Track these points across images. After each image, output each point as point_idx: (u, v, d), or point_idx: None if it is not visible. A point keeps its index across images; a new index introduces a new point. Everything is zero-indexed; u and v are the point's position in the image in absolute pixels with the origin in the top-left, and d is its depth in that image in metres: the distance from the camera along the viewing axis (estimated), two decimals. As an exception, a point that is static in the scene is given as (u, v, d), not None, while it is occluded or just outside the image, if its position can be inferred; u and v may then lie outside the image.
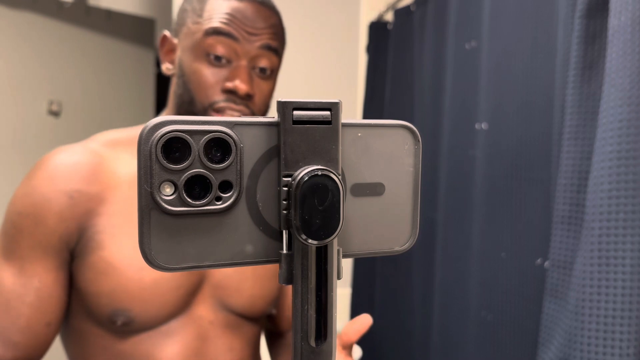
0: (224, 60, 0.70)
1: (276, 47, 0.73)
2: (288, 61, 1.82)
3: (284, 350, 0.86)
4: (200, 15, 0.71)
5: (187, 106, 0.71)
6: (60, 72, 2.26)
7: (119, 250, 0.67)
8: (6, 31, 2.10)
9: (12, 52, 2.12)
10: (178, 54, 0.74)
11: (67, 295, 0.69)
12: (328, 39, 1.89)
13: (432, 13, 1.38)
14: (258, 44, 0.70)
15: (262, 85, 0.73)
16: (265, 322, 0.88)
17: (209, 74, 0.70)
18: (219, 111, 0.70)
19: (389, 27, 1.68)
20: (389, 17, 1.71)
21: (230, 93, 0.70)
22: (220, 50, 0.69)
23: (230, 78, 0.70)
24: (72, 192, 0.66)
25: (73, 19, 2.28)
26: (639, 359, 0.68)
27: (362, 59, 1.90)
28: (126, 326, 0.67)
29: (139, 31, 2.47)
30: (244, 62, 0.70)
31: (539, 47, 0.95)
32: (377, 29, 1.73)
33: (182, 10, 0.74)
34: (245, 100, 0.70)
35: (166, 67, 0.77)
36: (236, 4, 0.70)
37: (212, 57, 0.69)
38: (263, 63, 0.72)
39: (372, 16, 1.81)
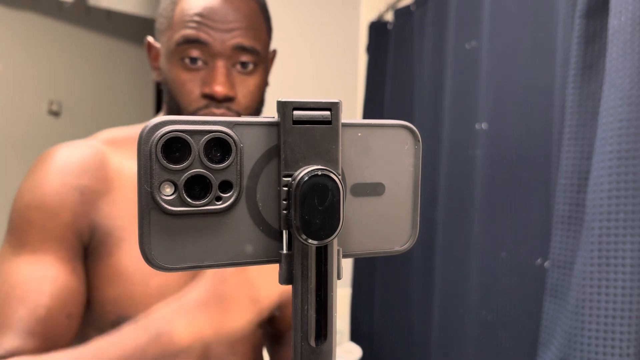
0: (200, 62, 0.67)
1: (251, 45, 0.69)
2: (288, 61, 1.82)
3: (285, 348, 0.85)
4: (171, 22, 0.68)
5: (177, 114, 0.69)
6: (60, 72, 2.26)
7: (125, 257, 0.66)
8: (6, 31, 2.10)
9: (12, 52, 2.12)
10: (161, 59, 0.72)
11: (85, 288, 0.66)
12: (328, 39, 1.89)
13: (432, 13, 1.38)
14: (231, 43, 0.67)
15: (246, 82, 0.69)
16: (266, 325, 0.88)
17: (187, 79, 0.67)
18: None
19: (389, 27, 1.68)
20: (389, 17, 1.71)
21: (210, 98, 0.67)
22: (194, 52, 0.67)
23: (207, 82, 0.67)
24: (82, 187, 0.65)
25: (73, 19, 2.28)
26: (639, 359, 0.68)
27: (362, 59, 1.90)
28: None
29: (139, 31, 2.47)
30: (220, 63, 0.67)
31: (539, 47, 0.95)
32: (377, 29, 1.73)
33: (159, 15, 0.72)
34: (225, 103, 0.68)
35: (155, 75, 0.75)
36: (204, 2, 0.67)
37: (187, 60, 0.67)
38: (243, 58, 0.68)
39: (372, 16, 1.81)
